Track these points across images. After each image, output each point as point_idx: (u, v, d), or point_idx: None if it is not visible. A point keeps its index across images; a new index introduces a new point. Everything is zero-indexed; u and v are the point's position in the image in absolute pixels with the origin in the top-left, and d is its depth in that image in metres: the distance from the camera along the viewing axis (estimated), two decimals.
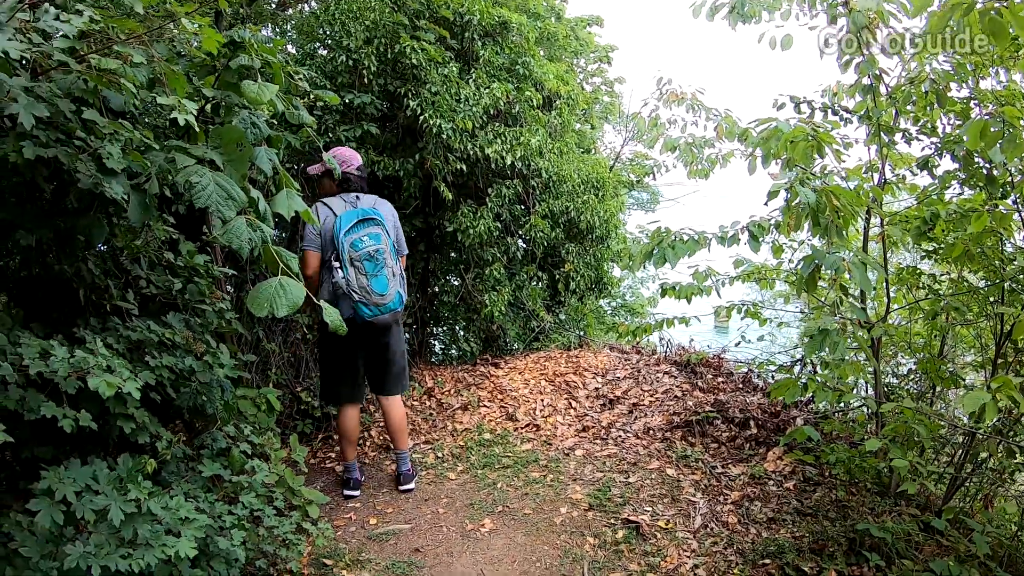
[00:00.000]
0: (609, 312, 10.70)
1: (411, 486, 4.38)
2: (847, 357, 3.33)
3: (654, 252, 3.57)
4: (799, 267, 3.21)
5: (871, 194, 3.44)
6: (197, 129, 2.07)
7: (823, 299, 4.85)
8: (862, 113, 3.56)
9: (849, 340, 3.14)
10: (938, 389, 4.26)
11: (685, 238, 3.58)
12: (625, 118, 11.19)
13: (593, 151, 8.61)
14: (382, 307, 3.92)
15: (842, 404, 4.55)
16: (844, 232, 3.21)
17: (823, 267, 3.03)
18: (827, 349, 2.85)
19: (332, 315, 2.21)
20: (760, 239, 3.56)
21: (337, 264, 3.85)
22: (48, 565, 1.85)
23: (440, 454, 4.91)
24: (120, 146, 1.91)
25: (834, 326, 2.90)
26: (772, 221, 3.55)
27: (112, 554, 1.94)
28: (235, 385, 3.08)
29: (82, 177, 1.90)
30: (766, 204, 3.16)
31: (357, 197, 4.05)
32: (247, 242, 1.94)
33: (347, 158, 4.09)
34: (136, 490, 2.05)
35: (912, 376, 4.53)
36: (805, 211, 2.92)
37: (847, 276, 3.08)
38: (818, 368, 4.51)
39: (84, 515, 1.92)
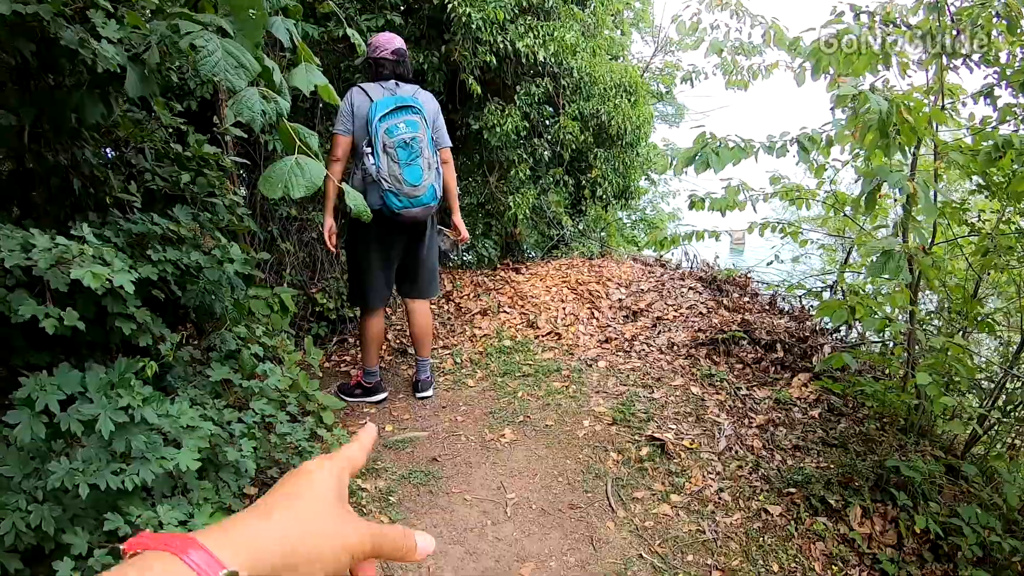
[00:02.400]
0: (629, 225, 10.51)
1: (429, 393, 4.27)
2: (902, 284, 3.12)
3: (697, 157, 3.31)
4: (859, 186, 2.96)
5: (930, 117, 3.16)
6: None
7: (862, 224, 4.59)
8: (925, 31, 3.23)
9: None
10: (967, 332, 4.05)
11: (731, 144, 3.31)
12: (655, 28, 10.75)
13: (622, 59, 8.24)
14: (413, 199, 3.65)
15: (877, 334, 4.36)
16: (909, 150, 2.95)
17: (885, 185, 2.80)
18: (888, 272, 2.62)
19: (355, 199, 1.98)
20: (810, 152, 3.33)
21: (369, 150, 3.59)
22: (31, 484, 1.67)
23: (458, 360, 4.79)
24: None
25: (897, 248, 2.67)
26: (823, 135, 3.31)
27: (102, 470, 1.76)
28: (247, 283, 2.89)
29: (67, 35, 1.64)
30: (833, 110, 2.89)
31: (397, 84, 3.78)
32: (259, 114, 1.69)
33: (381, 43, 3.78)
34: (128, 396, 1.84)
35: (941, 314, 4.31)
36: (873, 122, 2.64)
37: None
38: (847, 295, 4.30)
39: (70, 426, 1.72)
